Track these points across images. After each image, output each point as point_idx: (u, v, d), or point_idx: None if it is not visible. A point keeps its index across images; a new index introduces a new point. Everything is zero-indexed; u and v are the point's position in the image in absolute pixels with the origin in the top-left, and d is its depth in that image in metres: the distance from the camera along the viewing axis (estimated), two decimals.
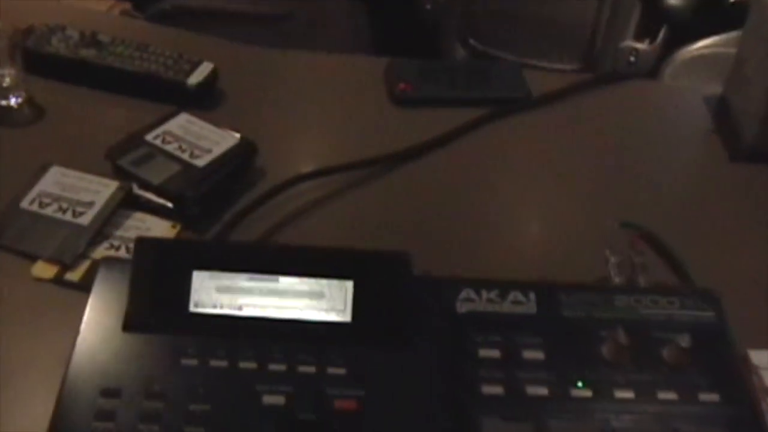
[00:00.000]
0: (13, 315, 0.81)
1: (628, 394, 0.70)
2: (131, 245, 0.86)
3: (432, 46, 2.21)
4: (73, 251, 0.86)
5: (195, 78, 1.07)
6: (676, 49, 1.96)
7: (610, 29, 2.06)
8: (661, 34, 2.04)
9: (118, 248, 0.87)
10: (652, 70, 1.99)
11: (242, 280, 0.71)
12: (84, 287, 0.82)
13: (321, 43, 1.95)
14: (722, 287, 0.78)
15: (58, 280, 0.85)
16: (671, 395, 0.70)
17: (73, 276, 0.85)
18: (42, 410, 0.72)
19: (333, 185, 0.98)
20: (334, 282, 0.71)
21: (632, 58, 2.05)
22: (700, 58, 1.92)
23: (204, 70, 1.08)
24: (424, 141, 1.05)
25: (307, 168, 0.98)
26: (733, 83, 1.15)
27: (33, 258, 0.86)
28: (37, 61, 1.07)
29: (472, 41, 2.16)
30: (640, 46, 2.05)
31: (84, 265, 0.85)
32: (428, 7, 2.18)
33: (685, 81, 1.85)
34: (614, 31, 2.06)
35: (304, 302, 0.71)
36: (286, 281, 0.71)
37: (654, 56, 2.04)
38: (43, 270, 0.85)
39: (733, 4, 2.00)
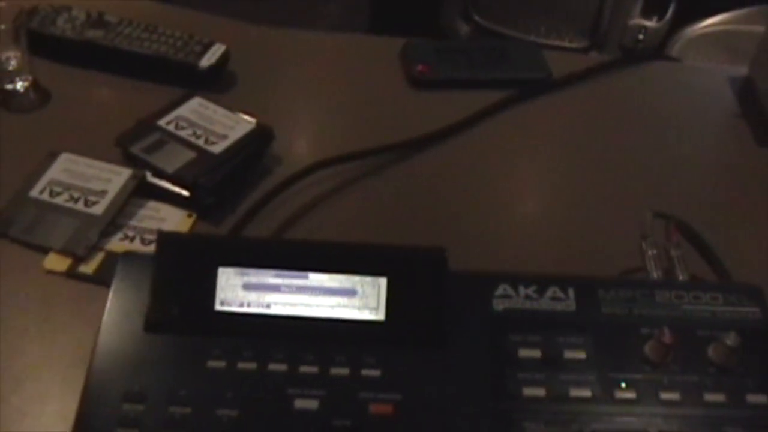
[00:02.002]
0: (26, 310, 0.78)
1: (674, 396, 0.67)
2: (146, 236, 0.84)
3: (434, 22, 2.18)
4: (86, 243, 0.82)
5: (207, 60, 1.03)
6: (685, 26, 1.93)
7: (617, 6, 2.04)
8: (670, 11, 2.01)
9: (132, 239, 0.84)
10: (660, 47, 1.96)
11: (270, 277, 0.68)
12: (98, 280, 0.80)
13: (321, 18, 1.92)
14: (754, 278, 0.75)
15: (71, 273, 0.81)
16: (718, 397, 0.67)
17: (87, 269, 0.81)
18: (58, 408, 0.70)
19: (352, 172, 0.95)
20: (367, 279, 0.68)
21: (640, 36, 2.02)
22: (709, 36, 1.90)
23: (216, 51, 1.04)
24: (446, 125, 1.01)
25: (324, 154, 0.95)
26: (759, 65, 1.12)
27: (44, 250, 0.82)
28: (43, 43, 1.03)
29: (475, 17, 2.12)
30: (648, 23, 2.02)
31: (98, 258, 0.82)
32: None
33: (694, 58, 1.82)
34: (622, 8, 2.04)
35: (336, 300, 0.68)
36: (316, 278, 0.68)
37: (662, 33, 2.02)
38: (56, 262, 0.81)
39: None
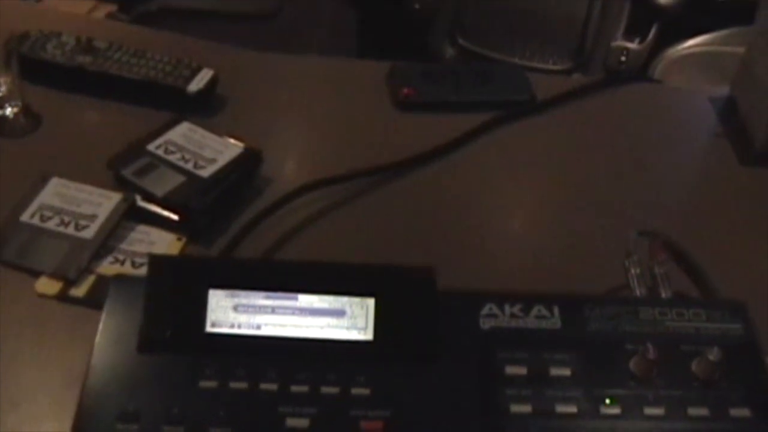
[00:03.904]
0: (19, 333, 0.79)
1: (658, 411, 0.68)
2: (136, 259, 0.85)
3: (421, 46, 2.20)
4: (77, 266, 0.83)
5: (195, 85, 1.04)
6: (667, 47, 1.96)
7: (600, 28, 2.06)
8: (652, 33, 2.04)
9: (123, 262, 0.85)
10: (643, 69, 1.98)
11: (260, 299, 0.69)
12: (89, 303, 0.81)
13: (308, 43, 1.93)
14: (740, 294, 0.76)
15: (62, 296, 0.82)
16: (702, 411, 0.68)
17: (78, 291, 0.82)
18: (53, 429, 0.71)
19: (340, 193, 0.96)
20: (356, 299, 0.69)
21: (623, 57, 2.05)
22: (691, 57, 1.92)
23: (204, 76, 1.05)
24: (432, 147, 1.03)
25: (312, 176, 0.96)
26: (741, 84, 1.14)
27: (35, 274, 0.83)
28: (33, 69, 1.04)
29: (461, 40, 2.14)
30: (630, 45, 2.05)
31: (89, 280, 0.83)
32: (417, 6, 2.16)
33: (676, 79, 1.84)
34: (605, 30, 2.06)
35: (325, 320, 0.69)
36: (305, 299, 0.69)
37: (644, 55, 2.04)
38: (47, 286, 0.82)
39: (723, 2, 1.99)
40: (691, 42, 1.94)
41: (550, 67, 2.09)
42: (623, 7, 2.05)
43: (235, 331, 0.68)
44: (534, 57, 2.10)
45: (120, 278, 0.73)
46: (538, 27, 2.10)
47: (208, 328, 0.68)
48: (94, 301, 0.80)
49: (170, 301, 0.69)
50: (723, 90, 1.18)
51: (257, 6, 1.96)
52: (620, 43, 2.05)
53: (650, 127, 1.12)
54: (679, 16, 2.01)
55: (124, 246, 0.87)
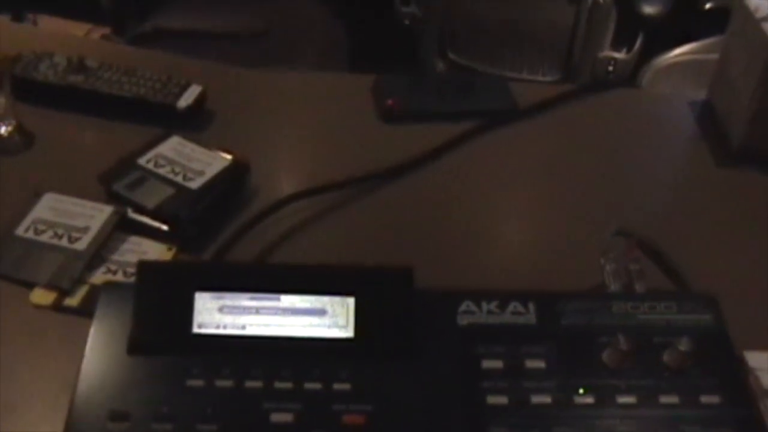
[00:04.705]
0: (14, 343, 0.81)
1: (631, 399, 0.70)
2: (128, 269, 0.87)
3: (410, 61, 2.23)
4: (71, 276, 0.86)
5: (184, 101, 1.07)
6: (653, 57, 1.98)
7: (587, 40, 2.09)
8: (638, 43, 2.07)
9: (115, 272, 0.88)
10: (630, 77, 2.01)
11: (244, 300, 0.72)
12: (83, 312, 0.83)
13: (299, 59, 1.96)
14: (716, 290, 0.79)
15: (57, 306, 0.85)
16: (673, 399, 0.71)
17: (72, 301, 0.85)
18: None
19: (326, 203, 0.99)
20: (336, 298, 0.72)
21: (610, 68, 2.08)
22: (678, 65, 1.95)
23: (192, 92, 1.08)
24: (415, 156, 1.05)
25: (299, 186, 0.99)
26: (717, 87, 1.16)
27: (30, 285, 0.86)
28: (26, 89, 1.07)
29: (451, 55, 2.17)
30: (617, 55, 2.08)
31: (82, 290, 0.86)
32: (407, 22, 2.19)
33: (663, 88, 1.87)
34: (592, 41, 2.09)
35: (307, 320, 0.72)
36: (287, 299, 0.72)
37: (631, 65, 2.07)
38: (42, 297, 0.85)
39: (708, 10, 2.02)
40: (677, 51, 1.97)
41: (540, 78, 2.11)
42: (609, 17, 2.07)
43: (221, 331, 0.71)
44: (523, 69, 2.13)
45: (110, 285, 0.76)
46: (526, 40, 2.13)
47: (195, 329, 0.71)
48: (87, 310, 0.82)
49: (158, 304, 0.72)
50: (701, 94, 1.20)
51: (248, 26, 1.99)
52: (607, 53, 2.08)
53: (630, 131, 1.15)
54: (664, 25, 2.03)
55: (116, 257, 0.89)
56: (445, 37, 2.17)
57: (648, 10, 2.03)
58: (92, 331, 0.71)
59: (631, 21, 2.06)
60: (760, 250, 0.96)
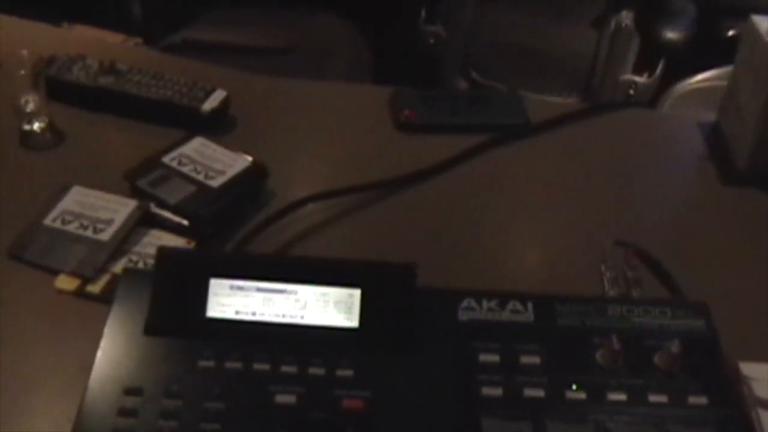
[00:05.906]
0: (37, 325, 0.86)
1: (621, 397, 0.74)
2: (149, 260, 0.92)
3: (433, 79, 2.26)
4: (94, 265, 0.90)
5: (209, 104, 1.12)
6: (674, 82, 2.00)
7: (609, 63, 2.11)
8: (660, 68, 2.09)
9: (136, 263, 0.92)
10: (651, 102, 2.04)
11: (256, 288, 0.76)
12: (104, 299, 0.87)
13: (323, 76, 2.00)
14: (714, 302, 0.82)
15: (79, 293, 0.89)
16: (662, 398, 0.74)
17: (94, 288, 0.89)
18: (66, 410, 0.76)
19: (340, 207, 1.03)
20: (343, 290, 0.76)
21: (631, 91, 2.10)
22: (698, 91, 1.96)
23: (217, 97, 1.13)
24: (428, 166, 1.09)
25: (315, 190, 1.03)
26: (725, 111, 1.20)
27: (56, 272, 0.90)
28: (59, 89, 1.13)
29: (473, 74, 2.21)
30: (638, 79, 2.10)
31: (104, 279, 0.90)
32: (432, 41, 2.23)
33: (683, 113, 1.88)
34: (613, 64, 2.11)
35: (315, 309, 0.75)
36: (297, 289, 0.76)
37: (652, 89, 2.09)
38: (66, 282, 0.89)
39: (729, 38, 2.05)
40: (699, 77, 1.98)
41: (560, 100, 2.14)
42: (632, 42, 2.10)
43: (233, 316, 0.75)
44: (544, 91, 2.15)
45: (129, 271, 0.80)
46: (548, 62, 2.16)
47: (209, 314, 0.75)
48: (108, 297, 0.87)
49: (175, 289, 0.76)
50: (711, 116, 1.24)
51: (275, 41, 2.04)
52: (629, 76, 2.11)
53: (638, 150, 1.18)
54: (685, 51, 2.05)
55: (137, 248, 0.94)
56: (468, 57, 2.21)
57: (669, 35, 2.05)
58: (111, 312, 0.76)
59: (653, 46, 2.09)
60: (759, 267, 0.99)
